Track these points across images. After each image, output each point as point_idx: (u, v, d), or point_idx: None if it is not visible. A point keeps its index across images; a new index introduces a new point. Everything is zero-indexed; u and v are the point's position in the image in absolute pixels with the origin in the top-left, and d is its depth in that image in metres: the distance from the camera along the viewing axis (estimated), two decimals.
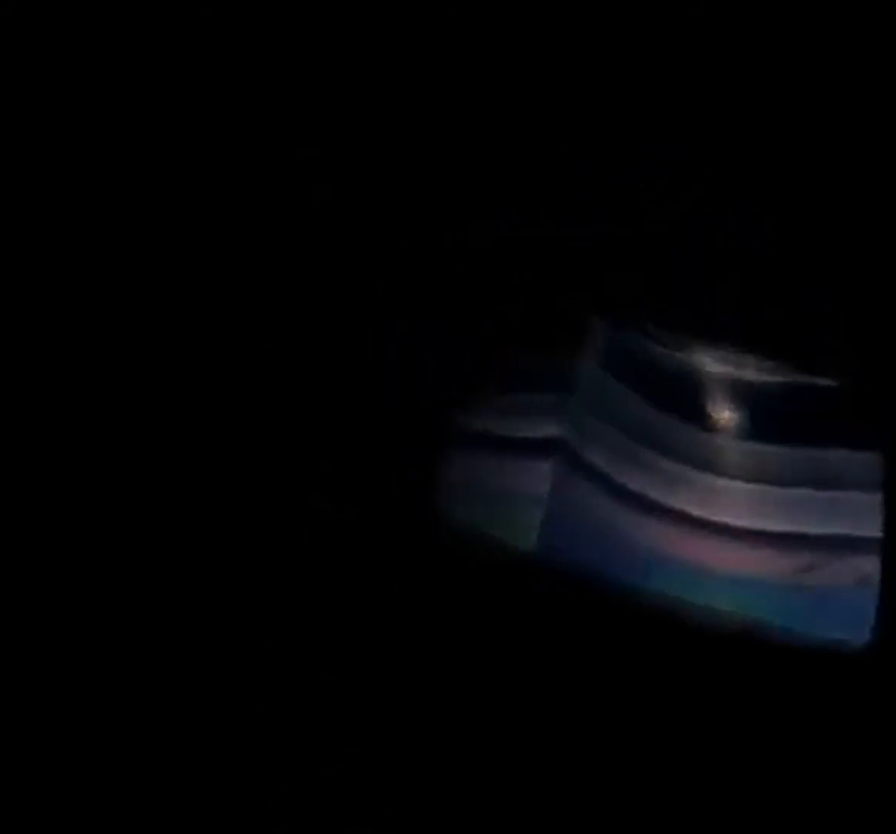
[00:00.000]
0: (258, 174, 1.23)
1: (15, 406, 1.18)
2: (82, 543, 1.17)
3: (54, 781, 1.11)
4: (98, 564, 1.17)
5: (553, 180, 1.24)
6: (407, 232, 1.23)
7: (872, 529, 1.23)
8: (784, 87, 1.23)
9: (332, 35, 1.24)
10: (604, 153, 1.23)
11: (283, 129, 1.24)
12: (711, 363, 1.26)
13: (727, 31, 1.23)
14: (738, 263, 1.25)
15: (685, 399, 1.25)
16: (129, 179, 1.23)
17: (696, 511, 1.22)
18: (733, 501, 1.23)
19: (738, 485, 1.23)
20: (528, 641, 1.18)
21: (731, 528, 1.22)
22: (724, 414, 1.25)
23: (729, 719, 1.19)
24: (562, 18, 1.22)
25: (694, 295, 1.25)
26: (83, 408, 1.19)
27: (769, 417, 1.25)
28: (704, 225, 1.25)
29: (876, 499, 1.24)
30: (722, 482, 1.23)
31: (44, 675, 1.15)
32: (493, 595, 1.19)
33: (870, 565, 1.22)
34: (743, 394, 1.26)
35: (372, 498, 1.19)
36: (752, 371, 1.26)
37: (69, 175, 1.22)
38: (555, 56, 1.23)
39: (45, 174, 1.22)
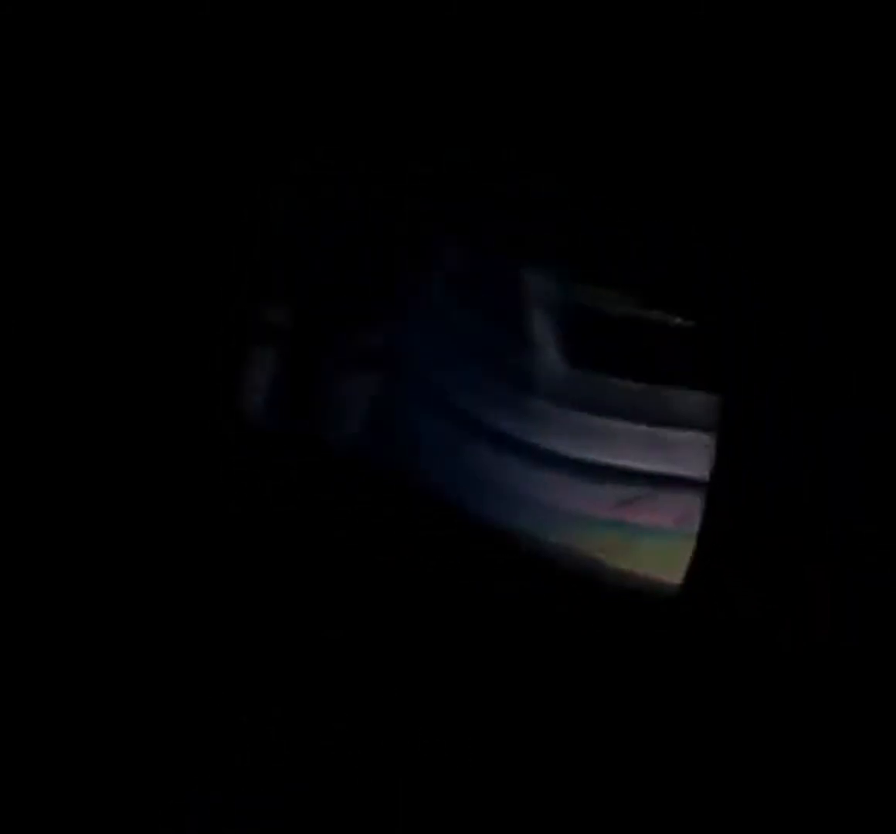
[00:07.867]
0: None
1: None
2: None
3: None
4: None
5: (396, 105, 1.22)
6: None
7: (701, 469, 1.22)
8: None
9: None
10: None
11: None
12: (560, 292, 1.25)
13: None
14: (594, 199, 1.23)
15: (529, 325, 1.24)
16: None
17: (522, 436, 1.23)
18: (563, 430, 1.23)
19: (571, 414, 1.23)
20: (342, 540, 1.20)
21: (557, 456, 1.22)
22: (568, 343, 1.24)
23: (535, 652, 1.20)
24: None
25: (547, 224, 1.23)
26: None
27: (613, 350, 1.25)
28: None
29: (709, 440, 1.23)
30: (554, 410, 1.23)
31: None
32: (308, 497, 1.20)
33: (692, 506, 1.22)
34: (591, 325, 1.25)
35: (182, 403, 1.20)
36: (604, 303, 1.25)
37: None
38: None
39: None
